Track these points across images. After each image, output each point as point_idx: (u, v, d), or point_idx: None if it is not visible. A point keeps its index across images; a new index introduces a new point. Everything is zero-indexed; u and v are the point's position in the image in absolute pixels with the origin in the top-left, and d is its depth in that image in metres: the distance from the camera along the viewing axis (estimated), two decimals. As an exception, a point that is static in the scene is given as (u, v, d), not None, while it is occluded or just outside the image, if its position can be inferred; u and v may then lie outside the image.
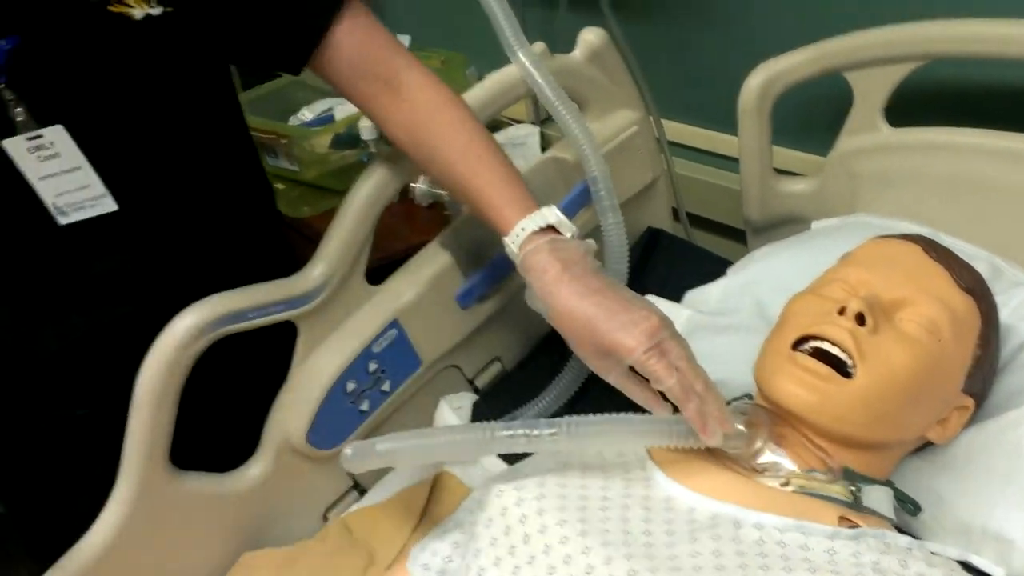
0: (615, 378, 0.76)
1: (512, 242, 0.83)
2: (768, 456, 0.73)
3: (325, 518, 0.97)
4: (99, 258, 0.94)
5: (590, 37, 1.07)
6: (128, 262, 0.96)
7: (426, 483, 0.92)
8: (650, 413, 0.75)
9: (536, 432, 0.68)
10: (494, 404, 0.99)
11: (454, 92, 0.92)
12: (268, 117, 1.69)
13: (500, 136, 1.60)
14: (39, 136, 0.88)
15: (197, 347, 0.82)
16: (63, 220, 0.91)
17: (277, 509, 0.93)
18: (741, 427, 0.72)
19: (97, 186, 0.90)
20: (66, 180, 0.90)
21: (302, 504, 0.95)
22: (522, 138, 1.61)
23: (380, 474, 0.98)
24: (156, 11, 0.86)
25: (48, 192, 0.90)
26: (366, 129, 1.55)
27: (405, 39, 1.81)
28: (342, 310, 0.93)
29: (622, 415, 0.70)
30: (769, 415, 0.75)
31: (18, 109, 0.87)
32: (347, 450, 0.75)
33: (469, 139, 0.89)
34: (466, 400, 1.03)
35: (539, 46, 1.01)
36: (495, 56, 0.99)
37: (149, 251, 0.94)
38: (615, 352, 0.74)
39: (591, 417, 0.69)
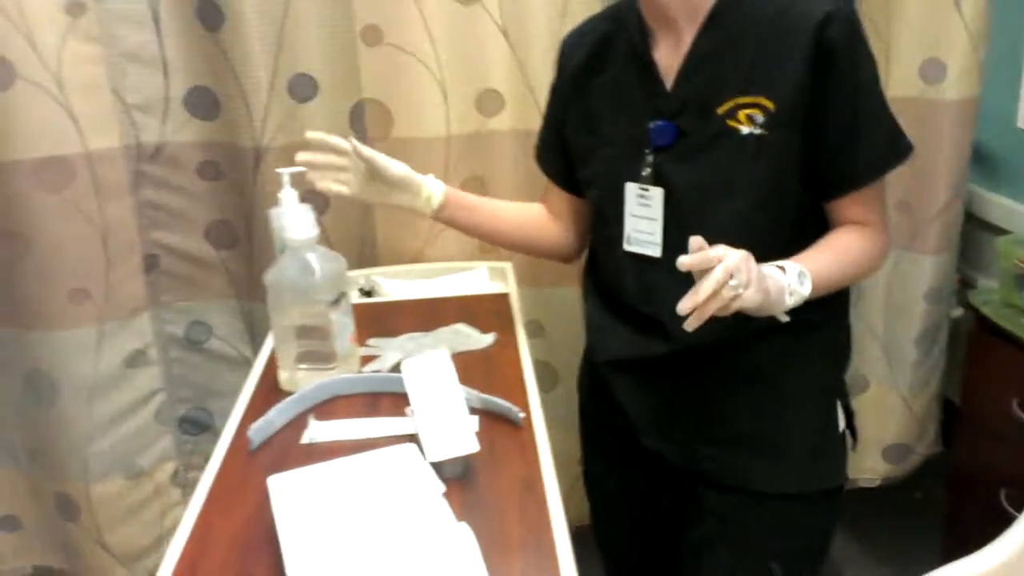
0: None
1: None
2: None
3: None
4: (642, 284, 1.30)
5: None
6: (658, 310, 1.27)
7: None
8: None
9: None
10: None
11: None
12: None
13: None
14: (647, 190, 1.26)
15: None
16: (626, 247, 1.30)
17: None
18: None
19: (656, 236, 1.27)
20: (644, 223, 1.29)
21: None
22: None
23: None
24: (757, 131, 1.17)
25: (630, 225, 1.29)
26: None
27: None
28: None
29: None
30: None
31: (648, 169, 1.24)
32: None
33: None
34: None
35: None
36: None
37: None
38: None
39: None
